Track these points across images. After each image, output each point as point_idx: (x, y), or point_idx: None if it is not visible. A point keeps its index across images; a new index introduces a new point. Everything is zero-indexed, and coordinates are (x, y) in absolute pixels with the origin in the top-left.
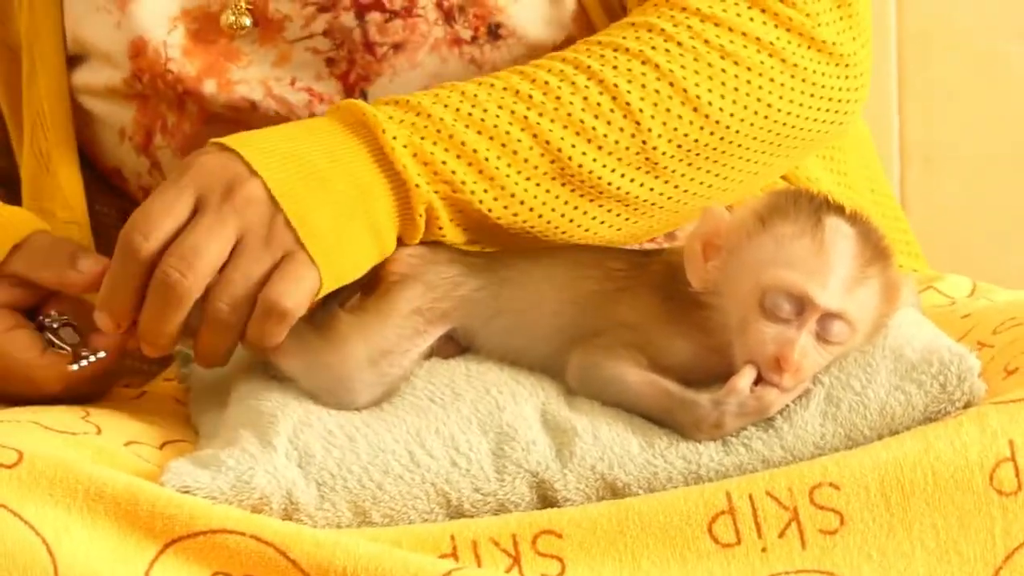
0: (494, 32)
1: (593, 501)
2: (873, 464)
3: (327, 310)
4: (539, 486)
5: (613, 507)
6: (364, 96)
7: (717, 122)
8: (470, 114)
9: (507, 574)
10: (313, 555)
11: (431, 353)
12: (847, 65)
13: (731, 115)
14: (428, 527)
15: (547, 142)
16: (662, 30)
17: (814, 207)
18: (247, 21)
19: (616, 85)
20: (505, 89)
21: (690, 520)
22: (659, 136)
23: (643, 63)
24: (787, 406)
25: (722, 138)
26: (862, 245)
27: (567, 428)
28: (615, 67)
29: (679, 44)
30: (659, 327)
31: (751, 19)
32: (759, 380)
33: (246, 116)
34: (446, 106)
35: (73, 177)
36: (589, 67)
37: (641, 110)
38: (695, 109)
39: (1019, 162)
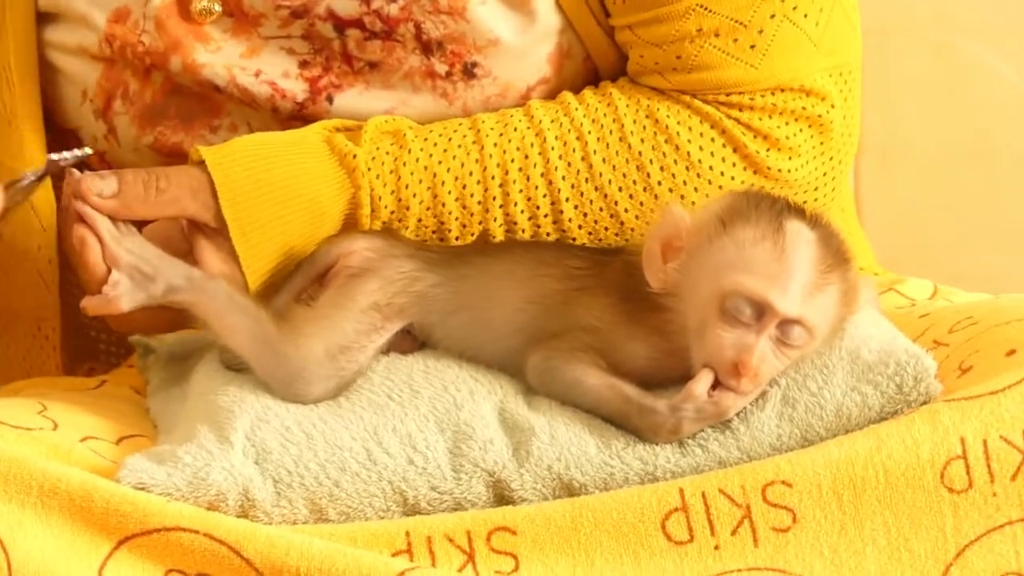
0: (469, 71)
1: (549, 501)
2: (825, 462)
3: (281, 302)
4: (495, 485)
5: (567, 504)
6: (330, 101)
7: (606, 195)
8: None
9: (461, 571)
10: (266, 554)
11: (389, 348)
12: (783, 181)
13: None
14: (383, 524)
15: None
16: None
17: (776, 211)
18: (217, 8)
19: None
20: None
21: (643, 517)
22: (566, 199)
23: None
24: (744, 407)
25: (612, 216)
26: (823, 250)
27: (525, 427)
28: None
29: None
30: (617, 330)
31: (714, 155)
32: (716, 384)
33: (210, 93)
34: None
35: (36, 132)
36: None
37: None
38: (596, 188)
39: (975, 157)
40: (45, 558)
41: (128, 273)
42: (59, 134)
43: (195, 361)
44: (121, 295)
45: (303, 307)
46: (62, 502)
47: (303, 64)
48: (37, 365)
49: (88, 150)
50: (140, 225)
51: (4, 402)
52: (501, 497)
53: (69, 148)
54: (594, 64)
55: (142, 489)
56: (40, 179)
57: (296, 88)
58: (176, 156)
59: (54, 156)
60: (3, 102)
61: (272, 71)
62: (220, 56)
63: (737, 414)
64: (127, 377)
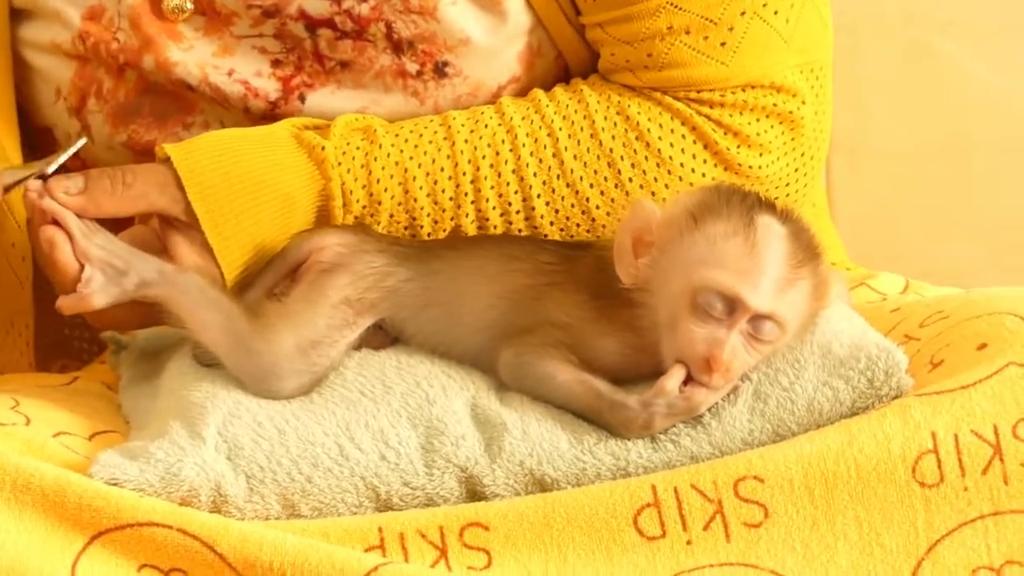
0: (440, 70)
1: (522, 497)
2: (797, 457)
3: (252, 298)
4: (468, 481)
5: (540, 500)
6: (303, 100)
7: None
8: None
9: (434, 567)
10: (240, 549)
11: (361, 344)
12: (753, 178)
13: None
14: (356, 520)
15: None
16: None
17: (747, 206)
18: (189, 5)
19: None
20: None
21: (615, 513)
22: (537, 195)
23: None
24: (716, 403)
25: (584, 212)
26: (794, 245)
27: (497, 423)
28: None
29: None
30: (588, 326)
31: (685, 152)
32: (688, 379)
33: (183, 91)
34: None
35: (11, 130)
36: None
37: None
38: (567, 184)
39: (946, 153)
40: (18, 553)
41: (100, 268)
42: (33, 132)
43: (167, 357)
44: (94, 291)
45: (274, 303)
46: (35, 497)
47: (275, 63)
48: (11, 362)
49: (83, 139)
50: (114, 231)
51: None
52: (473, 493)
53: (54, 147)
54: (565, 62)
55: (115, 484)
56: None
57: (269, 87)
58: (150, 154)
59: (53, 167)
60: None
61: (245, 70)
62: (193, 54)
63: (709, 409)
64: (99, 373)
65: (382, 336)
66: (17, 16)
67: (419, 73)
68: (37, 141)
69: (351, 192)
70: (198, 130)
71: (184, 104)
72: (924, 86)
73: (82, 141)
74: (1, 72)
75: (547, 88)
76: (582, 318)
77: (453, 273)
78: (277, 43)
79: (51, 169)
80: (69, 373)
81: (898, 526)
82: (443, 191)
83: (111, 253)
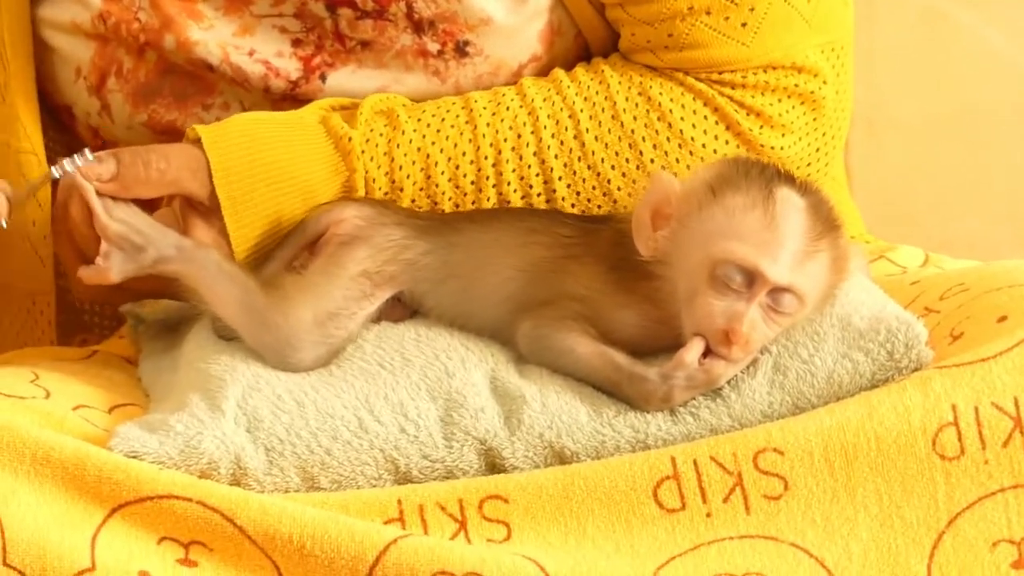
0: (461, 49)
1: (541, 469)
2: (817, 429)
3: (271, 270)
4: (487, 454)
5: (559, 472)
6: (323, 80)
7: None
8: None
9: (453, 539)
10: (259, 522)
11: (380, 316)
12: (775, 158)
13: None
14: (375, 492)
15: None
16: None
17: (766, 178)
18: None
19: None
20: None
21: (635, 485)
22: (559, 178)
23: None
24: (735, 375)
25: (605, 194)
26: (813, 218)
27: (516, 396)
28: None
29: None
30: (607, 299)
31: (707, 133)
32: (707, 352)
33: (203, 71)
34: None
35: (31, 108)
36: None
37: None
38: (588, 166)
39: (963, 125)
40: (39, 526)
41: (118, 244)
42: (53, 111)
43: (186, 330)
44: (112, 266)
45: (292, 275)
46: (55, 470)
47: (296, 43)
48: (32, 340)
49: (89, 156)
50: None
51: None
52: (493, 465)
53: (73, 126)
54: (585, 41)
55: (134, 457)
56: (48, 182)
57: (289, 67)
58: (170, 134)
59: (66, 165)
60: None
61: (265, 50)
62: (213, 34)
63: (728, 382)
64: (118, 347)
65: (401, 309)
66: None
67: (440, 52)
68: (57, 120)
69: (374, 181)
70: (218, 111)
71: (204, 84)
72: (941, 56)
73: (89, 157)
74: (21, 51)
75: (568, 68)
76: (601, 290)
77: (472, 246)
78: (297, 23)
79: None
80: (88, 347)
81: (918, 499)
82: (464, 176)
83: (130, 228)
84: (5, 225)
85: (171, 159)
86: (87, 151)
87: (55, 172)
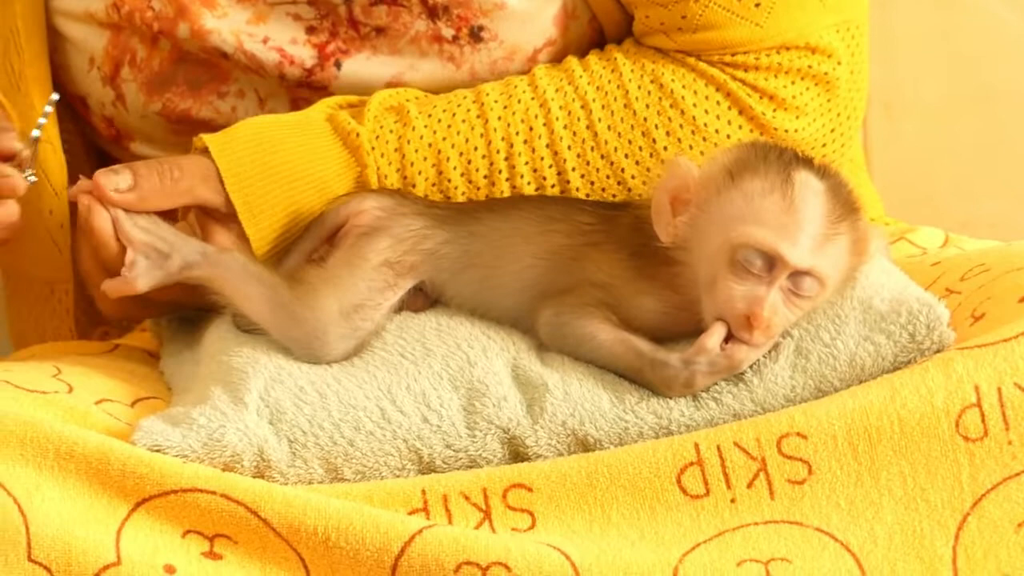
0: (476, 34)
1: (564, 457)
2: (840, 413)
3: (291, 264)
4: (510, 442)
5: (583, 460)
6: (338, 66)
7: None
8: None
9: (478, 529)
10: (284, 514)
11: (401, 307)
12: (790, 140)
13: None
14: (399, 482)
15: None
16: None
17: (784, 162)
18: None
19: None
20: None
21: (659, 472)
22: (572, 169)
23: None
24: (757, 359)
25: (619, 183)
26: (832, 201)
27: (538, 384)
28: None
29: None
30: (627, 285)
31: (720, 118)
32: (729, 337)
33: (217, 60)
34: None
35: (45, 98)
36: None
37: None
38: (602, 156)
39: (981, 105)
40: (63, 521)
41: (143, 252)
42: (68, 99)
43: (208, 323)
44: (139, 275)
45: (315, 268)
46: (79, 465)
47: (310, 30)
48: (51, 329)
49: (55, 96)
50: None
51: (19, 366)
52: (516, 454)
53: (88, 116)
54: (599, 24)
55: (157, 451)
56: (36, 142)
57: (304, 54)
58: (185, 122)
59: (40, 120)
60: (12, 67)
61: (280, 37)
62: (227, 22)
63: (750, 366)
64: (140, 340)
65: (422, 299)
66: None
67: (455, 38)
68: (72, 110)
69: (385, 177)
70: (232, 98)
71: (218, 72)
72: (959, 37)
73: (54, 97)
74: (36, 41)
75: (582, 51)
76: (621, 277)
77: (491, 235)
78: (311, 9)
79: (36, 134)
80: (110, 340)
81: (942, 481)
82: (477, 170)
83: (155, 236)
84: (34, 178)
85: (184, 168)
86: (54, 94)
87: (35, 133)
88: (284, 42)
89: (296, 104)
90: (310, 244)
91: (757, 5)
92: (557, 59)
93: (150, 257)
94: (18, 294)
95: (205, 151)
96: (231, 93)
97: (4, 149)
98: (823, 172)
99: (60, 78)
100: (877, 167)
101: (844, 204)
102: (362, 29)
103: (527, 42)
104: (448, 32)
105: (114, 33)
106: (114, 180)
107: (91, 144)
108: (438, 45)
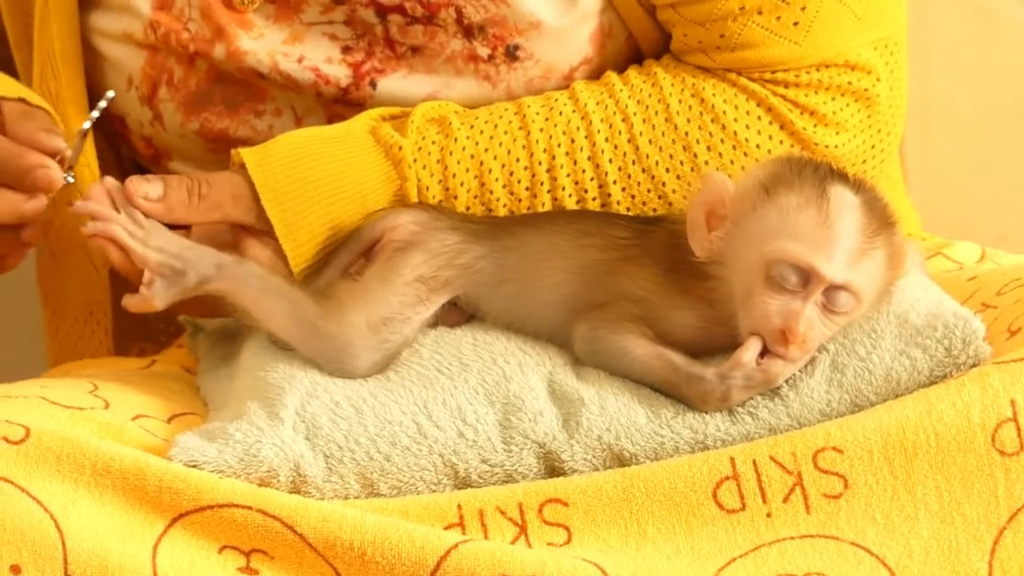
0: (512, 53)
1: (600, 472)
2: (876, 427)
3: (327, 278)
4: (546, 457)
5: (618, 475)
6: (373, 86)
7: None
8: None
9: (514, 544)
10: (319, 529)
11: (436, 322)
12: (831, 156)
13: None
14: (435, 497)
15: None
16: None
17: (819, 176)
18: None
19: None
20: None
21: (695, 487)
22: (613, 182)
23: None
24: (793, 374)
25: (660, 197)
26: (868, 215)
27: (574, 398)
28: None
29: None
30: (663, 300)
31: (761, 133)
32: (764, 351)
33: (253, 79)
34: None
35: (82, 118)
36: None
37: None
38: (643, 170)
39: (1017, 119)
40: (99, 537)
41: (159, 272)
42: (105, 120)
43: (244, 339)
44: (156, 294)
45: (347, 282)
46: (115, 481)
47: (346, 49)
48: (89, 350)
49: (110, 93)
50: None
51: (56, 382)
52: (552, 469)
53: (127, 136)
54: (636, 43)
55: (193, 467)
56: (84, 138)
57: (339, 73)
58: (222, 141)
59: (93, 114)
60: (48, 88)
61: (315, 57)
62: (263, 43)
63: (786, 381)
64: (177, 356)
65: (457, 314)
66: (87, 5)
67: (490, 57)
68: (110, 129)
69: (427, 189)
70: (270, 117)
71: (255, 92)
72: (995, 52)
73: (110, 94)
74: (72, 61)
75: (619, 70)
76: (656, 292)
77: (526, 249)
78: (347, 29)
79: (86, 126)
80: (147, 357)
81: (979, 495)
82: (519, 182)
83: (168, 255)
84: (73, 179)
85: (213, 184)
86: (110, 92)
87: (86, 125)
88: (319, 61)
89: (333, 121)
90: (346, 258)
91: (796, 24)
92: (593, 78)
93: (166, 276)
94: (56, 315)
95: (242, 167)
96: (268, 112)
97: (49, 147)
98: (858, 186)
99: (98, 98)
100: (913, 182)
101: (880, 218)
102: (398, 48)
103: (563, 61)
104: (484, 51)
105: (151, 53)
106: (144, 187)
107: (127, 168)
108: (474, 64)
